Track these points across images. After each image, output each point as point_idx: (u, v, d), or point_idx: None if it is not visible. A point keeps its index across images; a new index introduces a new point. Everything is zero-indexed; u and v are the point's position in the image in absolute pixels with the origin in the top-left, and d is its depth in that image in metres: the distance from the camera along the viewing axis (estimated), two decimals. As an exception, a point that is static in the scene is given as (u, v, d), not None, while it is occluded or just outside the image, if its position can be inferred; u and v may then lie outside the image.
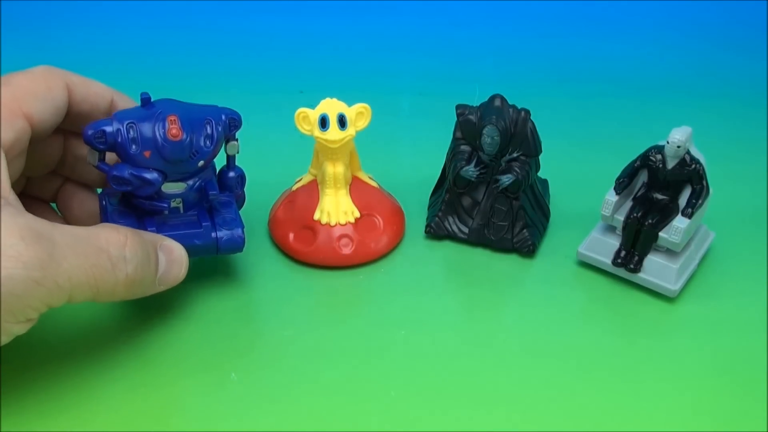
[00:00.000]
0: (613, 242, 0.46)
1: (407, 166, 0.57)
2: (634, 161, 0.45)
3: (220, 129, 0.41)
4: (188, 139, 0.39)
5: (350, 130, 0.46)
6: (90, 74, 0.41)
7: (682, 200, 0.45)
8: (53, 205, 0.45)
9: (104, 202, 0.42)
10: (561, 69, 0.72)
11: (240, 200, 0.46)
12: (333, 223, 0.47)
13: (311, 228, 0.47)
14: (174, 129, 0.39)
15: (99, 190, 0.45)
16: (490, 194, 0.48)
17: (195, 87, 0.66)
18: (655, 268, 0.45)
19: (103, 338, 0.42)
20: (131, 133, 0.38)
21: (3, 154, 0.35)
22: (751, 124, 0.64)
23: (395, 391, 0.39)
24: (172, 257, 0.39)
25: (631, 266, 0.45)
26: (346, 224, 0.47)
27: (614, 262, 0.46)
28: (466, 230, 0.49)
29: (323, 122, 0.45)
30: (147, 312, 0.43)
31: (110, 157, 0.40)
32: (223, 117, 0.41)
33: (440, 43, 0.76)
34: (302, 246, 0.47)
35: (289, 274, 0.47)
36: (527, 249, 0.48)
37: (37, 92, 0.37)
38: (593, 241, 0.47)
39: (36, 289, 0.32)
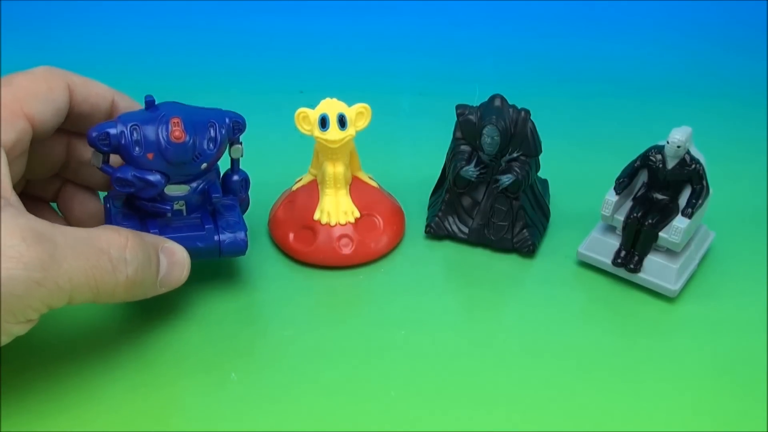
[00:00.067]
0: (613, 242, 0.46)
1: (407, 166, 0.57)
2: (634, 161, 0.45)
3: (223, 132, 0.41)
4: (191, 141, 0.39)
5: (350, 130, 0.46)
6: (90, 74, 0.41)
7: (682, 200, 0.45)
8: (54, 205, 0.45)
9: (108, 205, 0.42)
10: (561, 69, 0.72)
11: (244, 204, 0.46)
12: (333, 223, 0.47)
13: (311, 228, 0.47)
14: (177, 131, 0.39)
15: (102, 194, 0.45)
16: (490, 194, 0.48)
17: (195, 87, 0.66)
18: (655, 268, 0.45)
19: (103, 339, 0.42)
20: (135, 135, 0.39)
21: (4, 155, 0.35)
22: (751, 124, 0.64)
23: (395, 391, 0.39)
24: (174, 259, 0.39)
25: (631, 266, 0.45)
26: (346, 224, 0.47)
27: (614, 262, 0.46)
28: (466, 230, 0.49)
29: (323, 122, 0.45)
30: (147, 312, 0.43)
31: (114, 159, 0.40)
32: (227, 120, 0.41)
33: (440, 43, 0.76)
34: (302, 246, 0.47)
35: (289, 274, 0.47)
36: (527, 249, 0.48)
37: (38, 93, 0.37)
38: (593, 241, 0.47)
39: (36, 290, 0.32)
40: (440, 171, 0.50)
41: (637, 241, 0.45)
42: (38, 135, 0.38)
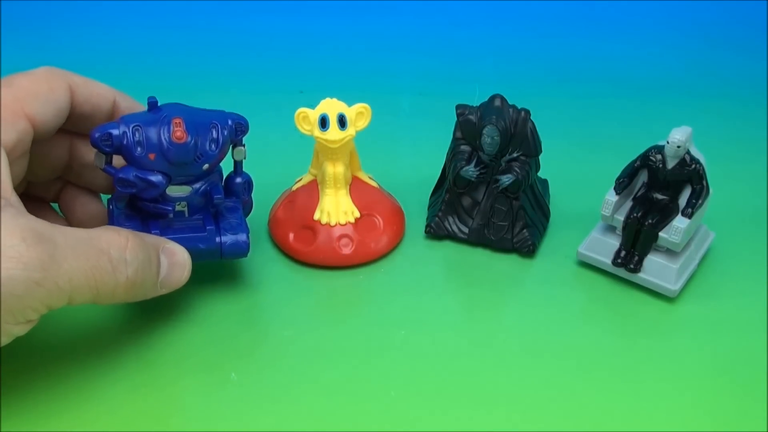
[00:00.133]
0: (613, 242, 0.46)
1: (407, 166, 0.57)
2: (634, 161, 0.45)
3: (226, 133, 0.41)
4: (193, 142, 0.39)
5: (350, 130, 0.46)
6: (90, 74, 0.41)
7: (682, 200, 0.45)
8: (55, 206, 0.45)
9: (112, 207, 0.42)
10: (561, 69, 0.72)
11: (247, 206, 0.46)
12: (333, 223, 0.47)
13: (311, 228, 0.47)
14: (179, 131, 0.39)
15: (105, 197, 0.45)
16: (490, 194, 0.48)
17: (195, 87, 0.66)
18: (655, 268, 0.45)
19: (103, 339, 0.42)
20: (137, 135, 0.39)
21: (5, 155, 0.35)
22: (751, 124, 0.64)
23: (395, 391, 0.39)
24: (175, 260, 0.39)
25: (631, 266, 0.45)
26: (346, 224, 0.47)
27: (614, 262, 0.46)
28: (466, 230, 0.49)
29: (323, 122, 0.45)
30: (147, 312, 0.43)
31: (118, 160, 0.40)
32: (230, 122, 0.41)
33: (440, 43, 0.76)
34: (302, 246, 0.47)
35: (289, 274, 0.47)
36: (527, 249, 0.48)
37: (39, 93, 0.37)
38: (593, 241, 0.47)
39: (36, 290, 0.32)
40: (440, 171, 0.50)
41: (637, 241, 0.45)
42: (39, 135, 0.38)
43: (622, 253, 0.46)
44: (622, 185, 0.45)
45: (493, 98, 0.46)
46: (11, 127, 0.36)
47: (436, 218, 0.49)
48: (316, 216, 0.47)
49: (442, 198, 0.49)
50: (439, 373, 0.40)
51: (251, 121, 0.42)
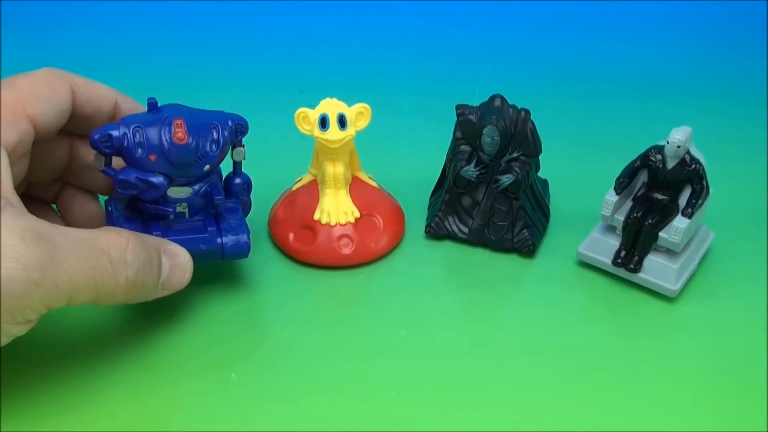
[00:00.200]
0: (613, 242, 0.46)
1: (407, 166, 0.57)
2: (634, 161, 0.45)
3: (226, 134, 0.41)
4: (194, 143, 0.39)
5: (350, 130, 0.46)
6: (90, 74, 0.41)
7: (682, 200, 0.45)
8: (53, 206, 0.45)
9: (110, 208, 0.41)
10: (561, 69, 0.72)
11: (246, 207, 0.46)
12: (333, 223, 0.47)
13: (311, 228, 0.47)
14: (180, 133, 0.39)
15: (103, 198, 0.45)
16: (490, 194, 0.48)
17: (195, 87, 0.66)
18: (655, 268, 0.45)
19: (104, 340, 0.42)
20: (137, 137, 0.38)
21: (6, 155, 0.35)
22: (751, 124, 0.64)
23: (395, 391, 0.39)
24: (176, 262, 0.39)
25: (631, 266, 0.45)
26: (346, 224, 0.47)
27: (614, 262, 0.46)
28: (466, 230, 0.49)
29: (323, 122, 0.45)
30: (146, 313, 0.43)
31: (117, 162, 0.40)
32: (230, 122, 0.41)
33: (440, 43, 0.76)
34: (302, 246, 0.47)
35: (289, 274, 0.47)
36: (527, 249, 0.48)
37: (40, 94, 0.37)
38: (593, 241, 0.47)
39: (35, 291, 0.32)
40: (440, 171, 0.50)
41: (637, 241, 0.45)
42: (40, 136, 0.38)
43: (622, 253, 0.46)
44: (622, 185, 0.45)
45: (493, 98, 0.46)
46: (13, 128, 0.36)
47: (436, 218, 0.49)
48: (316, 216, 0.47)
49: (442, 198, 0.49)
50: (439, 373, 0.40)
51: (251, 121, 0.42)
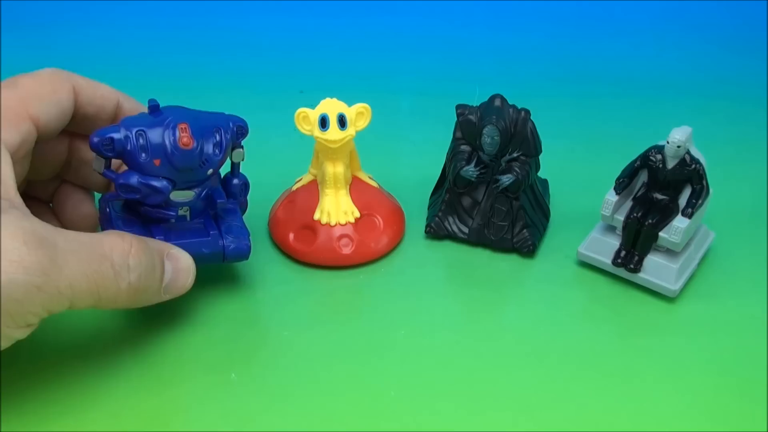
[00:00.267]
0: (613, 242, 0.46)
1: (407, 166, 0.57)
2: (634, 161, 0.45)
3: (228, 137, 0.41)
4: (199, 147, 0.39)
5: (350, 130, 0.46)
6: (90, 74, 0.41)
7: (682, 200, 0.45)
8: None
9: (108, 209, 0.41)
10: (561, 69, 0.72)
11: (242, 207, 0.46)
12: (333, 223, 0.47)
13: (311, 228, 0.47)
14: (185, 137, 0.38)
15: (98, 195, 0.45)
16: (490, 194, 0.48)
17: (195, 87, 0.66)
18: (655, 268, 0.45)
19: (104, 341, 0.42)
20: (141, 140, 0.38)
21: (8, 156, 0.35)
22: (751, 124, 0.64)
23: (395, 391, 0.39)
24: (179, 266, 0.39)
25: (631, 266, 0.45)
26: (346, 224, 0.47)
27: (614, 262, 0.46)
28: (466, 230, 0.49)
29: (323, 122, 0.45)
30: (147, 315, 0.43)
31: (116, 163, 0.40)
32: (231, 124, 0.41)
33: (440, 43, 0.76)
34: (302, 246, 0.47)
35: (289, 274, 0.47)
36: (527, 249, 0.48)
37: (43, 95, 0.37)
38: (593, 241, 0.47)
39: (37, 295, 0.32)
40: (440, 171, 0.50)
41: (637, 241, 0.45)
42: (42, 137, 0.38)
43: (622, 253, 0.46)
44: (622, 185, 0.45)
45: (493, 98, 0.46)
46: (15, 129, 0.36)
47: (436, 218, 0.49)
48: (316, 216, 0.47)
49: (442, 198, 0.49)
50: (439, 373, 0.40)
51: (251, 121, 0.42)
